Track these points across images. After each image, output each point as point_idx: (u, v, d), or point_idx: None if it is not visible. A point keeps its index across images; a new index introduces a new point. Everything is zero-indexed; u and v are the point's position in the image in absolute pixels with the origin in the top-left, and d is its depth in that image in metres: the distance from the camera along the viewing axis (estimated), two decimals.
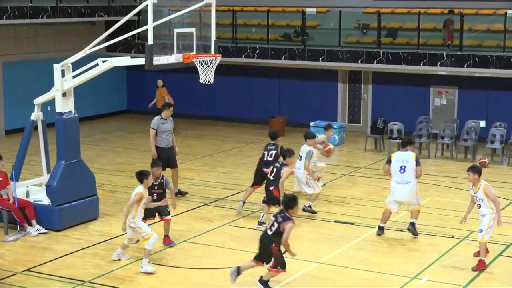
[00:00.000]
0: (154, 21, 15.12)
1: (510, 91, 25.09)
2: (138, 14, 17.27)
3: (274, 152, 17.01)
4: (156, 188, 14.52)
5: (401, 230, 15.82)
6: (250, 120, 29.19)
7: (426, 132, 24.30)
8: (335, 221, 16.73)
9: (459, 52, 24.35)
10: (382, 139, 24.78)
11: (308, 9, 26.78)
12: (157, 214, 14.72)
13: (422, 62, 24.81)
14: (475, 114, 24.92)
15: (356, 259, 14.37)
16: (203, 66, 16.08)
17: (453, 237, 15.58)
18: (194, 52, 16.12)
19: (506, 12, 24.24)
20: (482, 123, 24.30)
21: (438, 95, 26.78)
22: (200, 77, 16.23)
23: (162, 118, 17.90)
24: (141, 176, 13.80)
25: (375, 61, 25.48)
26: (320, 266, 13.98)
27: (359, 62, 25.77)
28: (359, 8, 26.85)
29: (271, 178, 15.98)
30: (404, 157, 15.28)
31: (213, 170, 21.74)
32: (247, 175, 20.95)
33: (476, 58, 24.05)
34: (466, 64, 24.14)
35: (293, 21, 27.65)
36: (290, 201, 12.46)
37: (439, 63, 24.53)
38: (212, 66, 16.22)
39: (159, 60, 15.44)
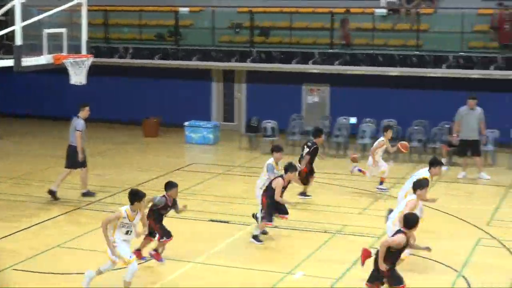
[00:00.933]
0: (22, 21, 14.78)
1: (378, 88, 25.82)
2: (5, 14, 16.78)
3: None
4: (168, 209, 13.80)
5: (276, 227, 15.96)
6: (124, 121, 28.89)
7: (298, 129, 24.70)
8: (211, 220, 16.77)
9: (330, 51, 24.88)
10: (257, 137, 25.01)
11: (181, 9, 26.75)
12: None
13: (294, 61, 25.22)
14: (347, 111, 25.50)
15: (232, 257, 14.44)
16: (75, 67, 15.84)
17: (325, 231, 15.89)
18: (65, 53, 15.86)
19: (374, 11, 24.96)
20: (353, 120, 24.95)
21: (310, 92, 27.28)
22: (71, 78, 16.01)
23: (81, 118, 18.08)
24: (134, 197, 12.26)
25: (248, 60, 25.73)
26: (196, 265, 13.95)
27: (233, 61, 25.96)
28: (232, 8, 27.02)
29: (267, 184, 15.52)
30: (416, 173, 15.04)
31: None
32: (122, 177, 20.76)
33: (347, 56, 24.63)
34: (337, 62, 24.70)
35: (167, 21, 27.57)
36: (408, 218, 11.56)
37: (310, 61, 25.00)
38: (84, 67, 16.01)
39: (28, 61, 15.12)
